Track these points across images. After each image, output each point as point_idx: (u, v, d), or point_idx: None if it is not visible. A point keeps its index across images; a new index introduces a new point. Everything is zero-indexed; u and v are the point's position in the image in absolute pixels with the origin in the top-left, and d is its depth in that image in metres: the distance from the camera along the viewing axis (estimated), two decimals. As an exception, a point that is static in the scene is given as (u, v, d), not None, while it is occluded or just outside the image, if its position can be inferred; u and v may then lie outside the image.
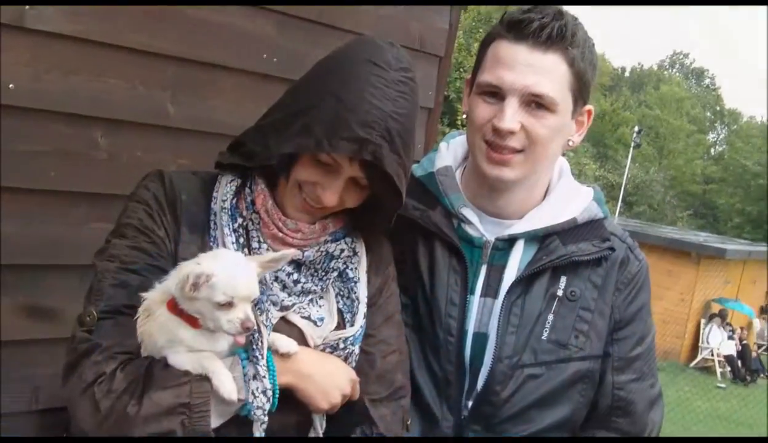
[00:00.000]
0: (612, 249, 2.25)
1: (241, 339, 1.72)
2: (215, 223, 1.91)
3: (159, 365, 1.72)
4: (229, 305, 1.67)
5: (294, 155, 1.86)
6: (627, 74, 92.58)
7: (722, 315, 23.92)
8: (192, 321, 1.71)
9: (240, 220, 1.92)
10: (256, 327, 1.73)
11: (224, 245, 1.88)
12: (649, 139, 65.33)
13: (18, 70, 2.62)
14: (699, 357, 23.53)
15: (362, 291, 2.02)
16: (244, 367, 1.75)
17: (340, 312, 1.99)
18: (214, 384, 1.68)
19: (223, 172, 1.99)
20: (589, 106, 2.24)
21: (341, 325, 1.98)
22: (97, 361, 1.71)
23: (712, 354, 23.24)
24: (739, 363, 22.94)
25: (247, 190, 1.94)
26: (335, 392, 1.87)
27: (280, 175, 1.93)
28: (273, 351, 1.81)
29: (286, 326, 1.89)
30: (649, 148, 65.26)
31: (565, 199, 2.29)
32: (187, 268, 1.66)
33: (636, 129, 48.86)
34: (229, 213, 1.91)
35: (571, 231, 2.24)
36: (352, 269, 2.02)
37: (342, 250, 2.00)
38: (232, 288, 1.66)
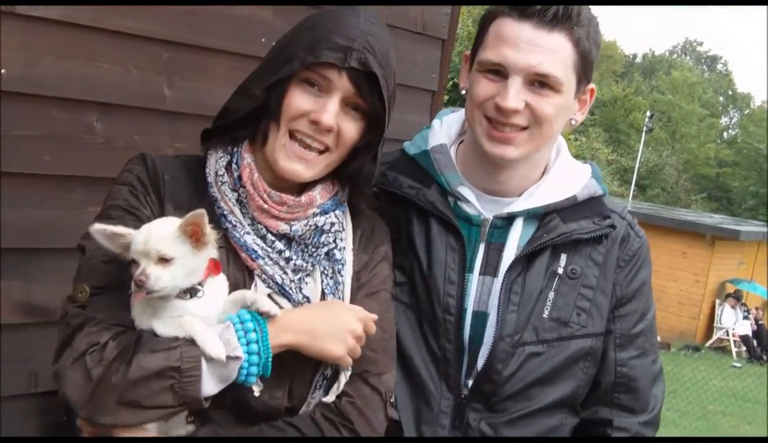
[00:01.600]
0: (613, 226, 2.22)
1: (140, 295, 1.69)
2: (217, 196, 1.90)
3: (149, 333, 1.72)
4: (135, 262, 1.69)
5: (282, 94, 1.87)
6: (639, 60, 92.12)
7: (737, 296, 23.92)
8: None
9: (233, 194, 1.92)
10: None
11: (232, 213, 1.89)
12: (661, 123, 65.07)
13: (10, 55, 2.60)
14: (714, 338, 23.54)
15: (348, 273, 2.00)
16: (237, 331, 1.73)
17: (323, 292, 1.96)
18: (198, 345, 1.67)
19: (210, 149, 1.97)
20: (591, 85, 2.21)
21: None
22: (91, 332, 1.71)
23: (728, 335, 23.28)
24: (755, 342, 22.98)
25: (234, 166, 1.93)
26: (344, 335, 1.84)
27: (269, 130, 1.91)
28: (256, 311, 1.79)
29: None
30: (661, 132, 64.97)
31: (564, 176, 2.26)
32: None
33: (648, 114, 48.72)
34: (228, 184, 1.91)
35: (571, 208, 2.21)
36: (340, 249, 1.99)
37: (332, 224, 1.97)
38: (133, 243, 1.70)
